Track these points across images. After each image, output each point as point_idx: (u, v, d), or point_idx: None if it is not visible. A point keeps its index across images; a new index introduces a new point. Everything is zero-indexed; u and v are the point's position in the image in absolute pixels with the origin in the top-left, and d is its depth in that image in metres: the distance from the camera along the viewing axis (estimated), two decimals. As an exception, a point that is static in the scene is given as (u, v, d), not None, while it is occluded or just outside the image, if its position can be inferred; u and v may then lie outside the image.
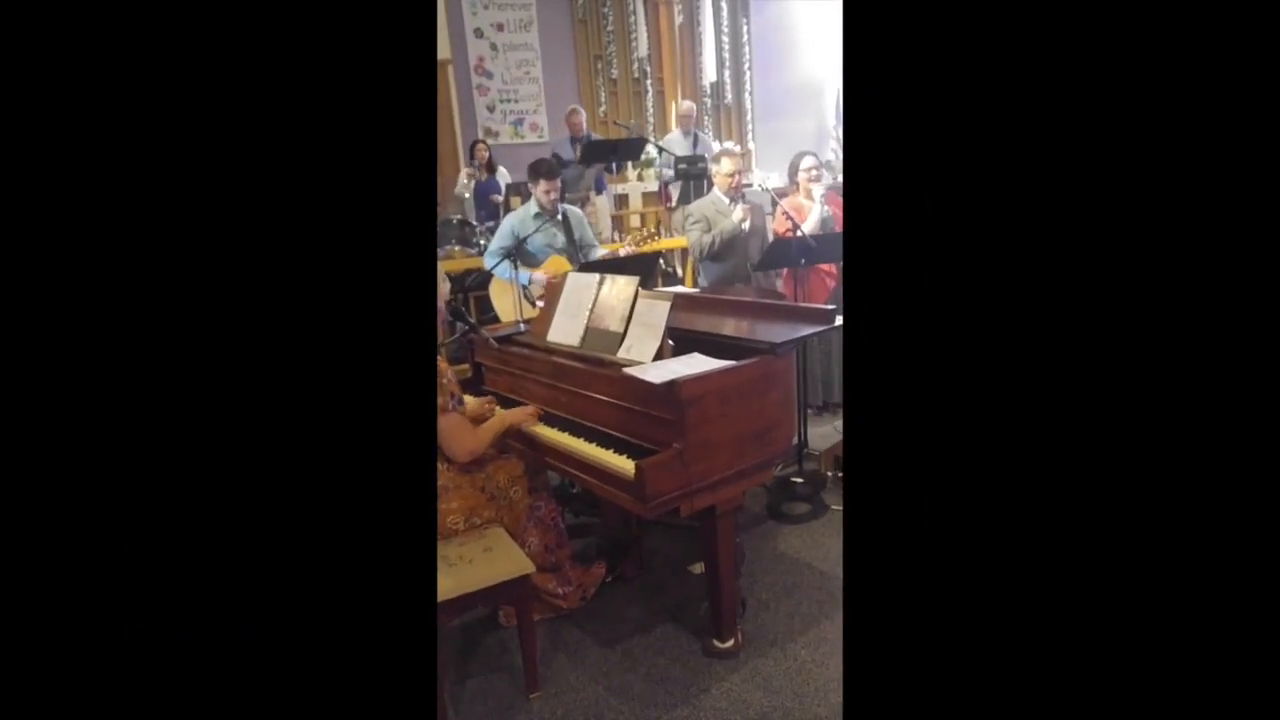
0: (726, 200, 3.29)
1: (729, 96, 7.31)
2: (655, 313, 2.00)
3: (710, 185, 3.50)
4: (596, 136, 5.59)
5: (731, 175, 3.26)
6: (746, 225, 3.23)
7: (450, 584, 1.72)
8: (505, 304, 3.45)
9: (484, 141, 5.46)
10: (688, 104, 5.69)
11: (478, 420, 2.13)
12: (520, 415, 2.12)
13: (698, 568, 2.36)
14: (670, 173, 5.16)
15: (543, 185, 3.32)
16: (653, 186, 5.94)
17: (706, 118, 6.86)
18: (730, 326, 2.18)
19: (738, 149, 5.67)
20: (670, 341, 2.00)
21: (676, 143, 5.39)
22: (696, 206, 3.38)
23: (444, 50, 6.25)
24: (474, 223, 4.63)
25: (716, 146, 5.49)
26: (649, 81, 6.97)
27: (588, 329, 2.17)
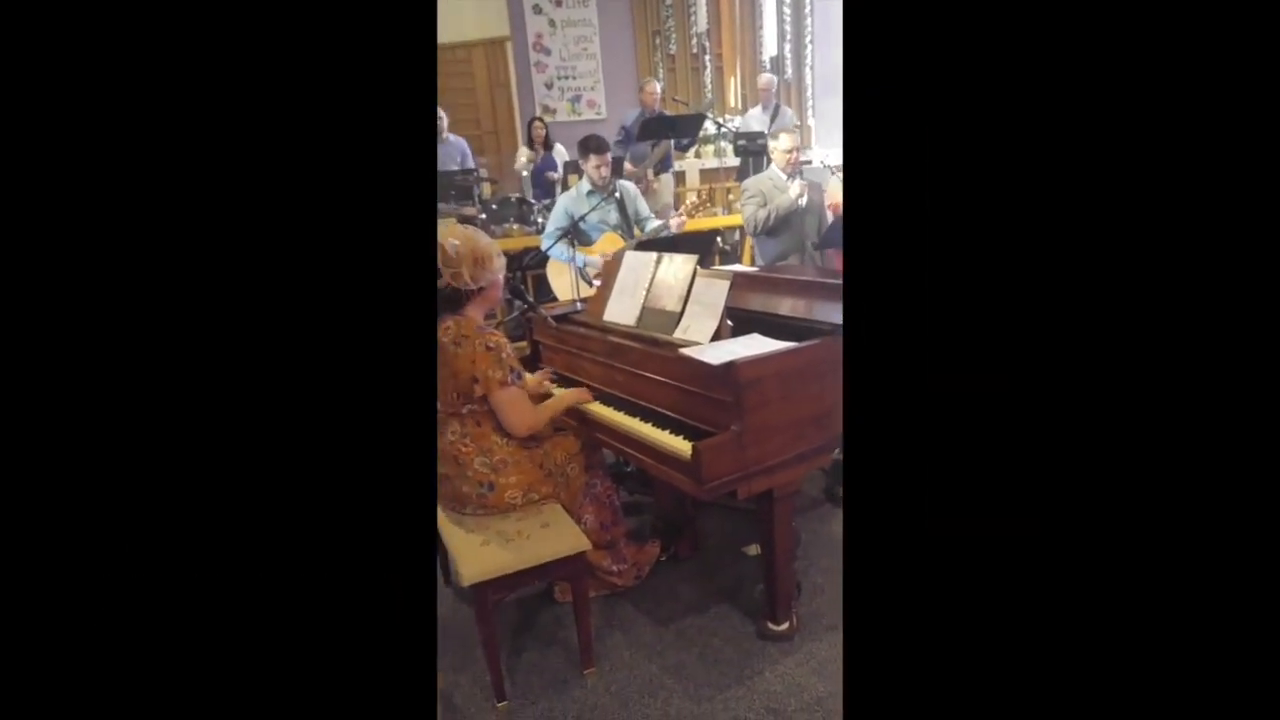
0: (784, 176, 3.23)
1: (789, 71, 7.13)
2: (714, 292, 1.97)
3: (769, 161, 3.43)
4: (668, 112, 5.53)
5: (790, 152, 3.21)
6: (803, 201, 3.17)
7: (508, 559, 1.75)
8: (562, 283, 3.46)
9: (541, 119, 5.46)
10: (767, 76, 5.56)
11: (536, 396, 2.15)
12: (578, 395, 2.13)
13: (752, 549, 2.35)
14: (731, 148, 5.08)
15: (593, 160, 3.30)
16: (711, 163, 5.86)
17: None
18: (790, 306, 2.13)
19: (796, 124, 5.55)
20: (729, 321, 1.97)
21: (756, 117, 5.29)
22: (753, 182, 3.33)
23: (503, 27, 6.27)
24: (531, 200, 4.65)
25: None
26: (708, 57, 6.85)
27: (644, 308, 2.16)
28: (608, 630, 2.04)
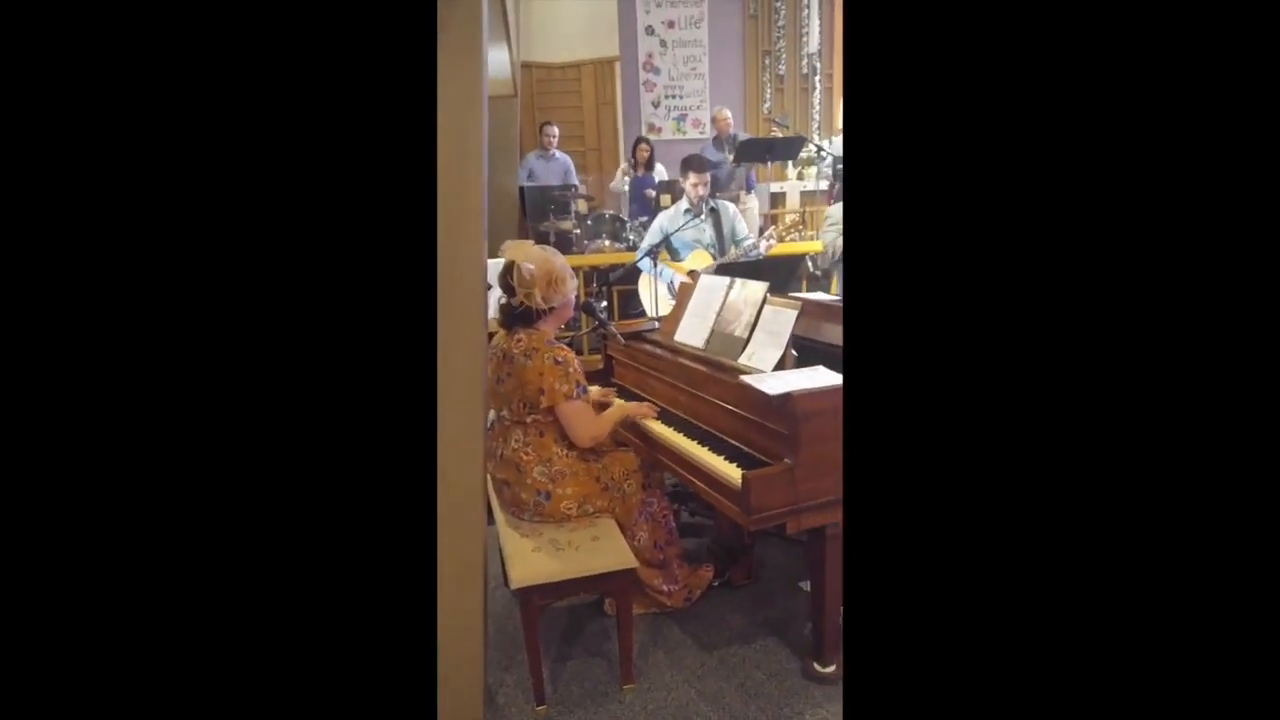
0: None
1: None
2: (780, 320, 1.96)
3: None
4: (744, 135, 5.51)
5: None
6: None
7: (555, 567, 1.80)
8: (649, 299, 3.52)
9: (647, 140, 5.57)
10: None
11: (598, 406, 2.20)
12: (639, 409, 2.17)
13: (809, 585, 2.29)
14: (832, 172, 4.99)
15: (692, 178, 3.36)
16: (811, 185, 5.77)
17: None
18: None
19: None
20: (794, 351, 1.95)
21: None
22: (837, 209, 3.28)
23: (613, 47, 6.44)
24: (625, 218, 4.75)
25: None
26: (817, 78, 6.77)
27: (713, 332, 2.17)
28: (652, 648, 2.05)
